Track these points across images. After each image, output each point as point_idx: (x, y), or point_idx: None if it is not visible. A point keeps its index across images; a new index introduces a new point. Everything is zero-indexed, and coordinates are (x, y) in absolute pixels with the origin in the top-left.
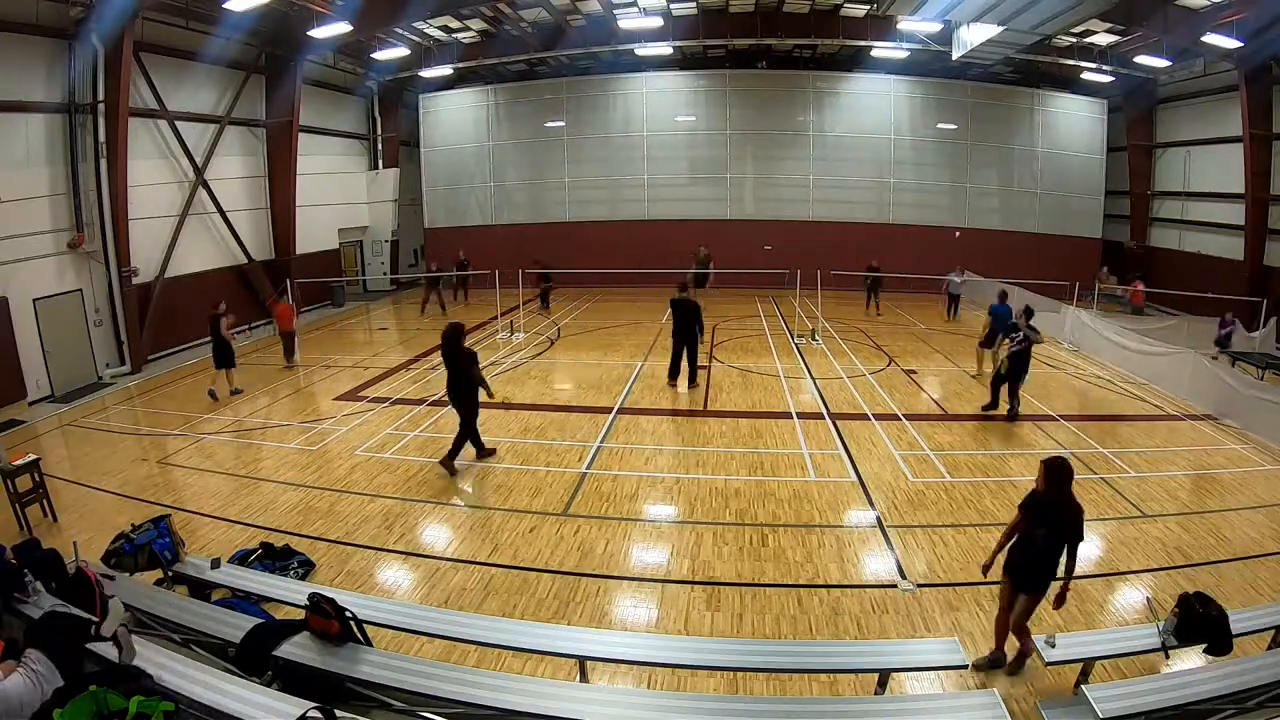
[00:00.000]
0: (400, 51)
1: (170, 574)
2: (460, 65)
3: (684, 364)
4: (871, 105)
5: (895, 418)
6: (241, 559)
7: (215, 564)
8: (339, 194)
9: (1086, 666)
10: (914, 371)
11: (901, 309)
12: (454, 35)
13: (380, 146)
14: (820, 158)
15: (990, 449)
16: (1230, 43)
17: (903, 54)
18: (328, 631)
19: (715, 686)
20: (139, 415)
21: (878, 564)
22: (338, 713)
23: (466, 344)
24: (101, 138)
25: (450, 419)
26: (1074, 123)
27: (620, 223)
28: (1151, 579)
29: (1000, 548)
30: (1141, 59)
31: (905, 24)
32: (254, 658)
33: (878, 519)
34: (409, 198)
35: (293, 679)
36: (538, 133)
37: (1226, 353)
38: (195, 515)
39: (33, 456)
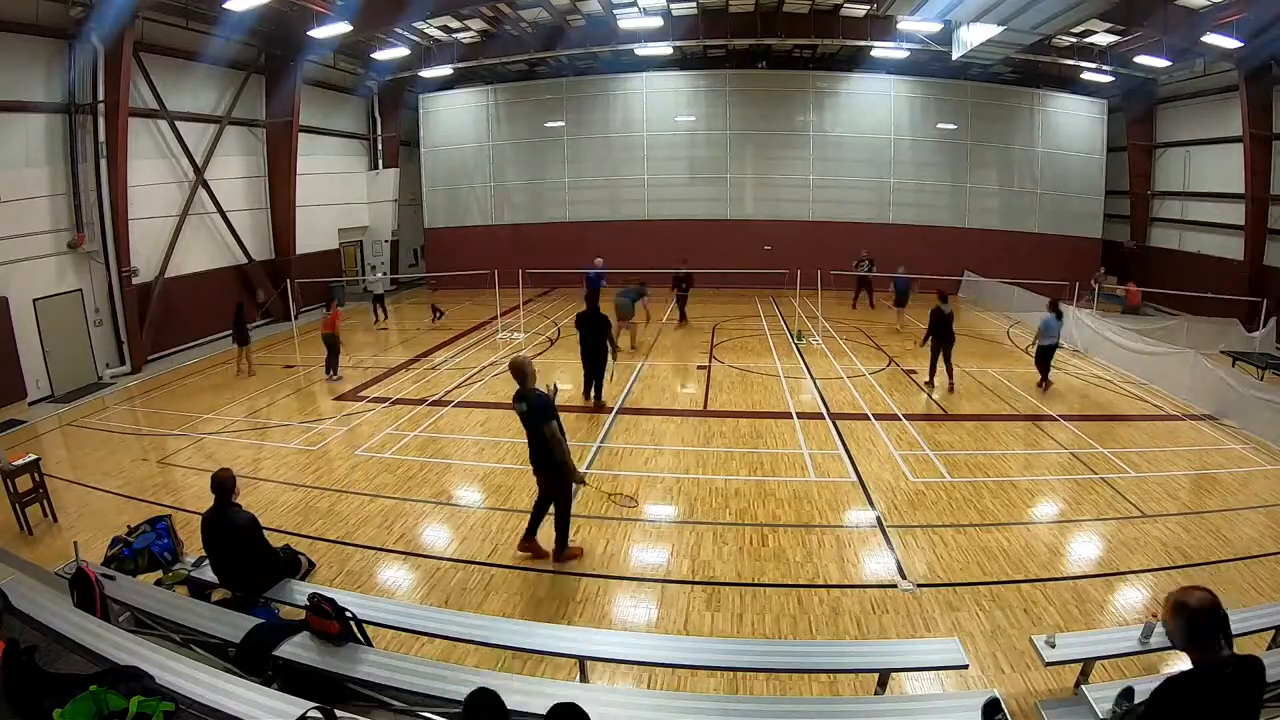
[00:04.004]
0: (400, 51)
1: (170, 574)
2: (460, 65)
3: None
4: (871, 105)
5: (895, 418)
6: None
7: (199, 562)
8: (339, 194)
9: (1086, 666)
10: (914, 371)
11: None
12: (454, 35)
13: (380, 146)
14: (820, 158)
15: (990, 449)
16: (1230, 43)
17: (903, 54)
18: (328, 631)
19: (715, 686)
20: (139, 415)
21: (878, 564)
22: (338, 713)
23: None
24: (101, 138)
25: (451, 419)
26: (1074, 123)
27: (620, 223)
28: (1152, 579)
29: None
30: (1141, 59)
31: (905, 24)
32: (254, 658)
33: (878, 519)
34: (409, 198)
35: (293, 679)
36: (537, 133)
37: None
38: (195, 515)
39: (33, 456)
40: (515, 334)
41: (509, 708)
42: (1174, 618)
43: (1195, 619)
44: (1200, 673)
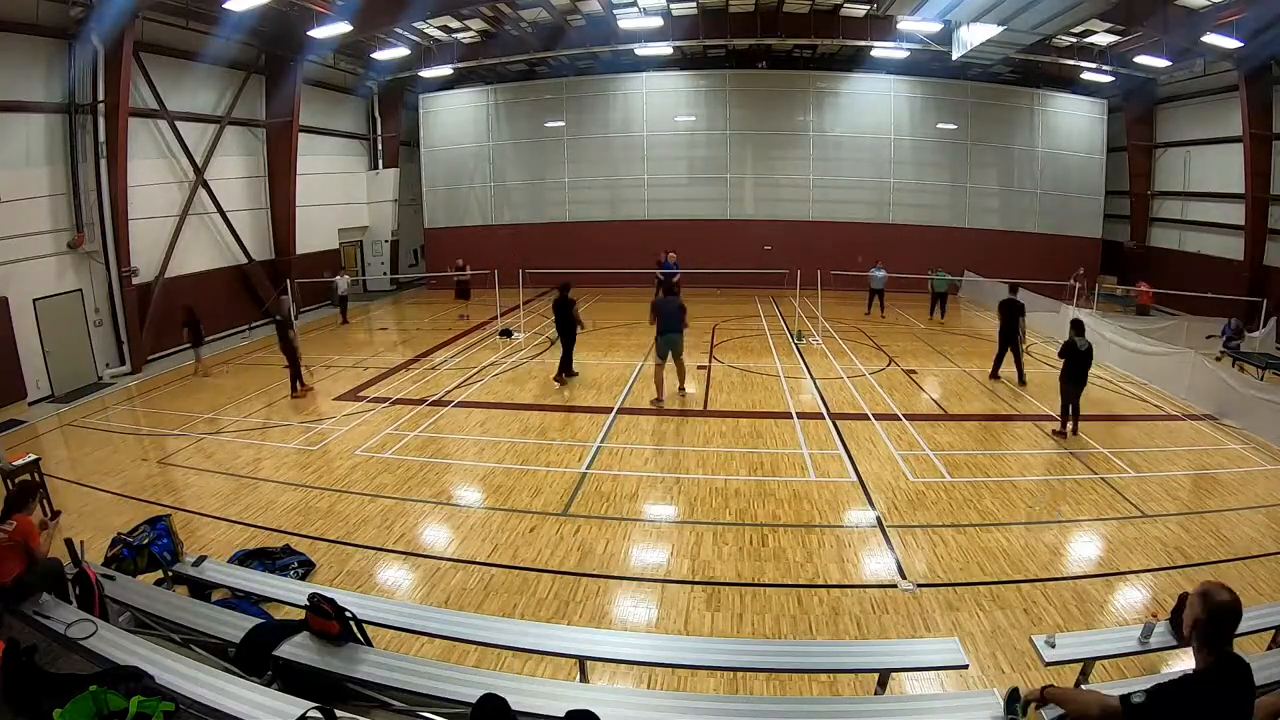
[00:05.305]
0: (400, 51)
1: (170, 574)
2: (460, 65)
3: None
4: (871, 105)
5: (895, 418)
6: (241, 559)
7: (199, 562)
8: (339, 194)
9: (1086, 667)
10: (914, 371)
11: (902, 309)
12: (454, 35)
13: (380, 146)
14: (820, 158)
15: (990, 449)
16: (1230, 43)
17: (903, 54)
18: (328, 631)
19: (715, 686)
20: (139, 415)
21: (878, 564)
22: (338, 713)
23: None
24: (101, 138)
25: (450, 419)
26: (1074, 123)
27: (620, 222)
28: (1151, 579)
29: None
30: (1141, 59)
31: (905, 24)
32: (254, 658)
33: (878, 519)
34: (409, 198)
35: (293, 679)
36: (538, 133)
37: (1229, 352)
38: (195, 515)
39: (33, 456)
40: (516, 334)
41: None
42: (1199, 609)
43: (1223, 615)
44: (1209, 674)
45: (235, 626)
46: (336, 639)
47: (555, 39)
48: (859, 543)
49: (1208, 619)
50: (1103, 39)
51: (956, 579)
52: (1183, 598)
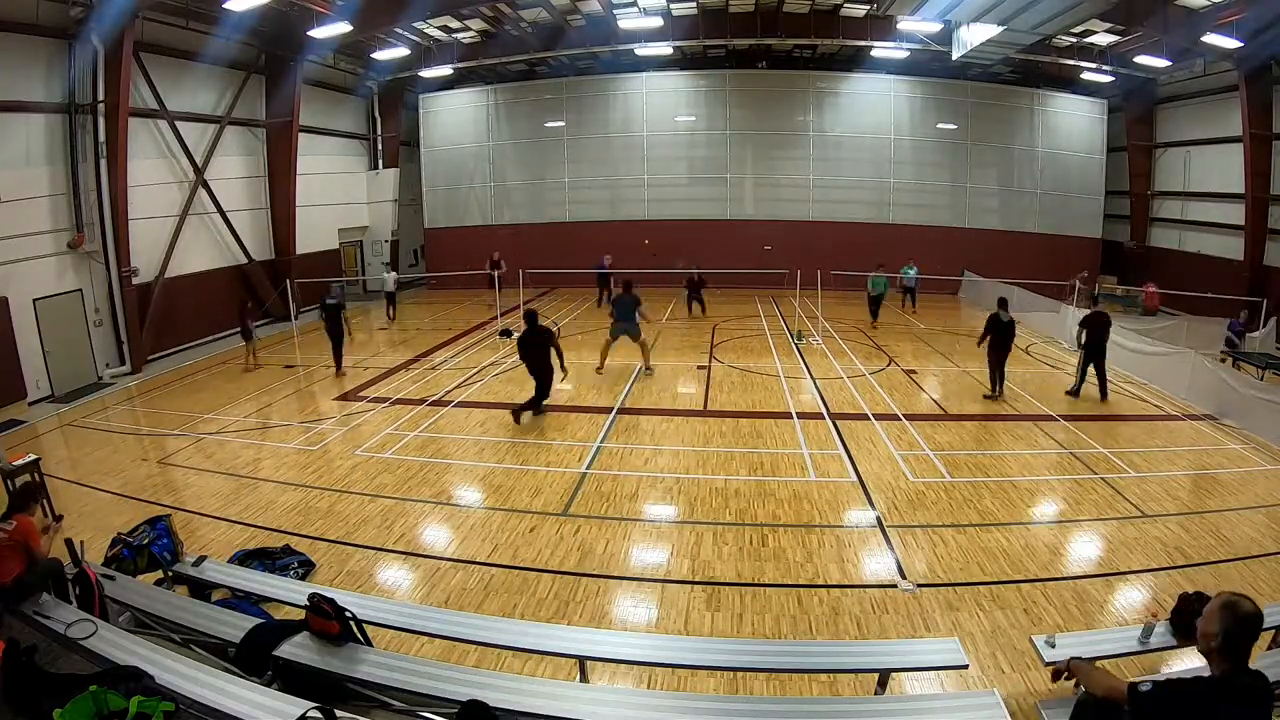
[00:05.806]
0: (400, 51)
1: (170, 574)
2: (460, 65)
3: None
4: (871, 105)
5: (895, 418)
6: (241, 559)
7: (199, 562)
8: (339, 194)
9: None
10: (914, 371)
11: (901, 310)
12: (454, 35)
13: (380, 146)
14: (820, 158)
15: (990, 449)
16: (1230, 43)
17: (903, 54)
18: (328, 631)
19: (715, 686)
20: (139, 415)
21: (878, 564)
22: (338, 713)
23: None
24: (101, 138)
25: (451, 419)
26: (1074, 123)
27: (620, 222)
28: (1152, 579)
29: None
30: (1141, 59)
31: (905, 24)
32: (254, 658)
33: (878, 519)
34: (409, 198)
35: (293, 679)
36: (537, 133)
37: (1228, 352)
38: (195, 515)
39: (33, 456)
40: (516, 334)
41: (508, 708)
42: (1227, 622)
43: (1244, 627)
44: (1227, 683)
45: (235, 626)
46: (336, 639)
47: (555, 39)
48: (859, 543)
49: (1237, 631)
50: (1103, 39)
51: (956, 579)
52: (1183, 598)
